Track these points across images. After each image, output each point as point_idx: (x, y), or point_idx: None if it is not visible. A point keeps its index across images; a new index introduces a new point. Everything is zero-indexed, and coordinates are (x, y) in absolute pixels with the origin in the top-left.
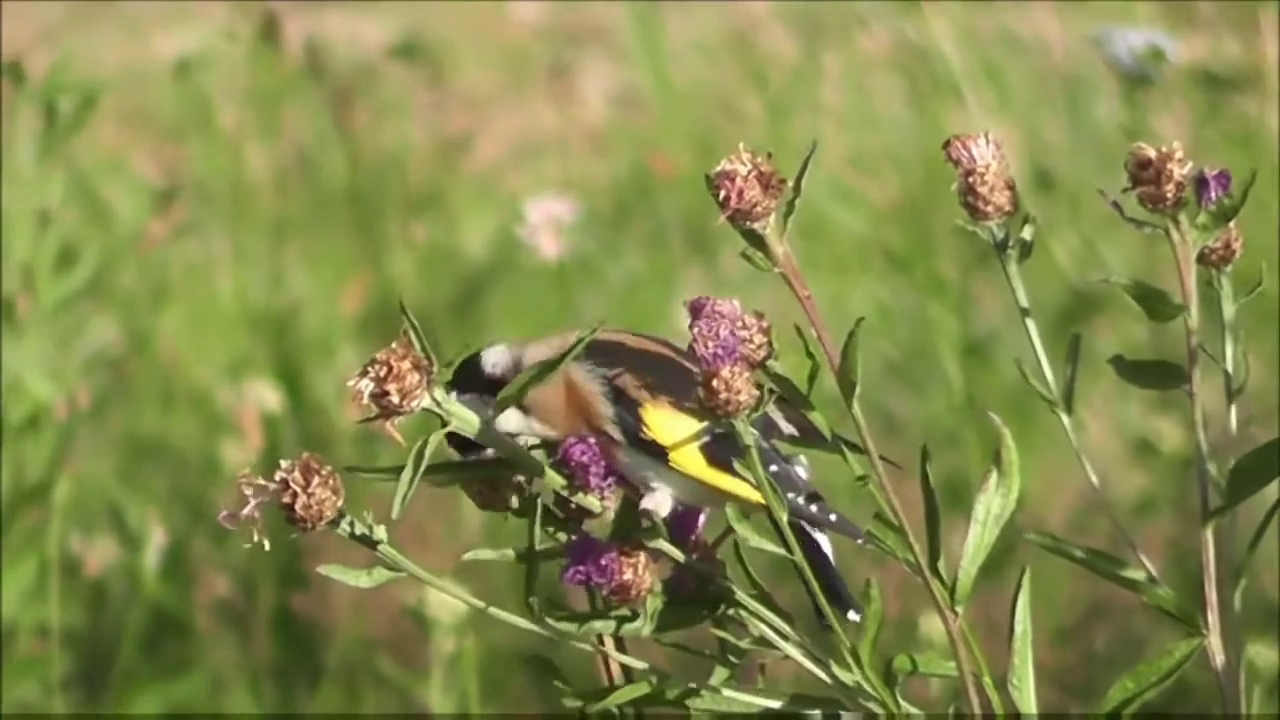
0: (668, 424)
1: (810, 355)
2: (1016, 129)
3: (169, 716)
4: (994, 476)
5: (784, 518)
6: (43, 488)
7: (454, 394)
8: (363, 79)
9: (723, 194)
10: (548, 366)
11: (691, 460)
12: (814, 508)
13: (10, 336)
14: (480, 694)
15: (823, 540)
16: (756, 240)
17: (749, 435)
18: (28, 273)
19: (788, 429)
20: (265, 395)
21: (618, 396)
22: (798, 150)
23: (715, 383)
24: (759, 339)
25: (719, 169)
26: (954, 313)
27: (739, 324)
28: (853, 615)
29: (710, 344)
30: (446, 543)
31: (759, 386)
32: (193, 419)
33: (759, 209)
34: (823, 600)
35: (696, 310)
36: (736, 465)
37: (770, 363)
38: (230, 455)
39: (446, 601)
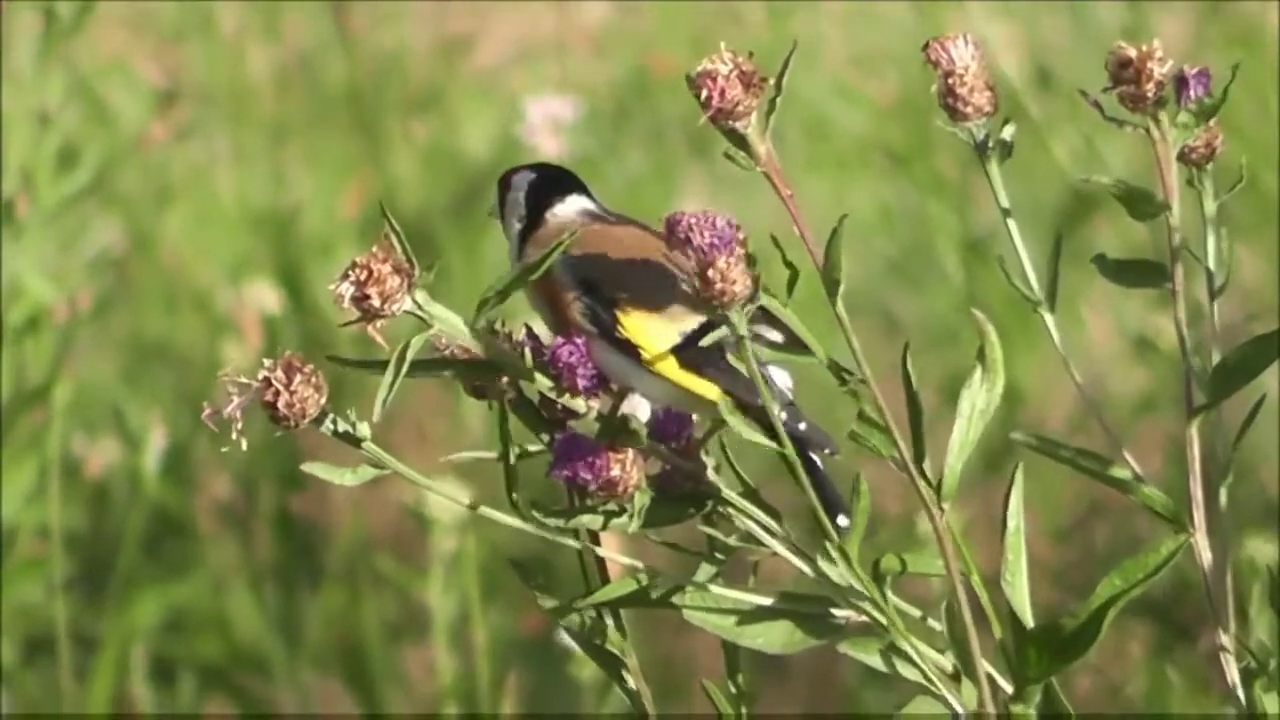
0: (641, 322)
1: (788, 264)
2: (1017, 27)
3: (170, 617)
4: (978, 372)
5: (778, 413)
6: (44, 389)
7: (523, 173)
8: None
9: (704, 94)
10: (528, 270)
11: (664, 361)
12: (784, 415)
13: (10, 238)
14: (480, 593)
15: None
16: (739, 140)
17: (744, 326)
18: (28, 174)
19: (772, 335)
20: (266, 296)
21: (590, 292)
22: (798, 50)
23: (711, 273)
24: (738, 250)
25: (700, 69)
26: (954, 211)
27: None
28: (842, 520)
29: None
30: (448, 442)
31: (755, 278)
32: (194, 320)
33: (740, 108)
34: (815, 499)
35: (672, 225)
36: (709, 366)
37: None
38: (232, 357)
39: (446, 501)
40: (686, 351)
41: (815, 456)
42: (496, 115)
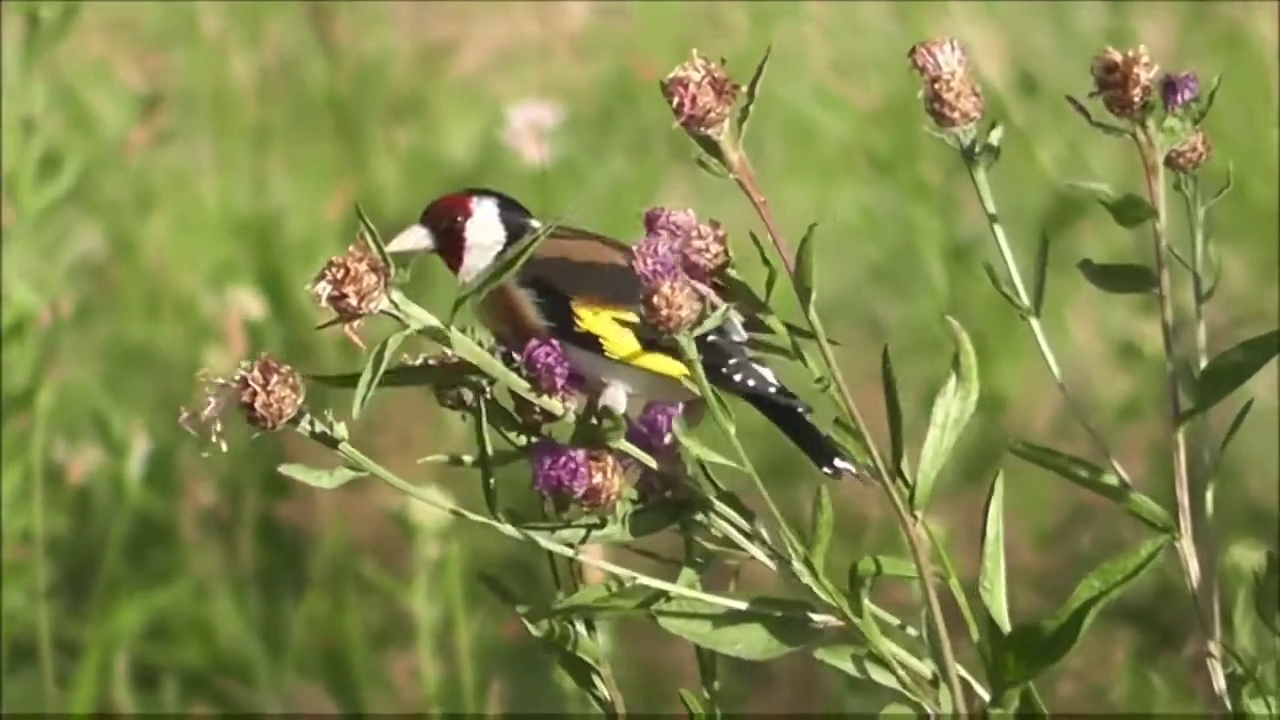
0: (599, 315)
1: (766, 262)
2: (1001, 33)
3: (153, 624)
4: (952, 380)
5: (731, 428)
6: (27, 395)
7: (486, 200)
8: None
9: (676, 100)
10: (508, 263)
11: (626, 347)
12: (752, 382)
13: None
14: (464, 598)
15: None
16: (712, 146)
17: (692, 349)
18: (11, 180)
19: (740, 329)
20: (248, 302)
21: (545, 293)
22: (780, 56)
23: (656, 299)
24: (715, 248)
25: (672, 75)
26: (938, 216)
27: (695, 233)
28: (840, 463)
29: (649, 260)
30: (431, 448)
31: (701, 300)
32: (177, 326)
33: (712, 115)
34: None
35: (651, 221)
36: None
37: (729, 271)
38: (214, 362)
39: (431, 507)
40: (649, 336)
41: (799, 409)
42: (479, 121)
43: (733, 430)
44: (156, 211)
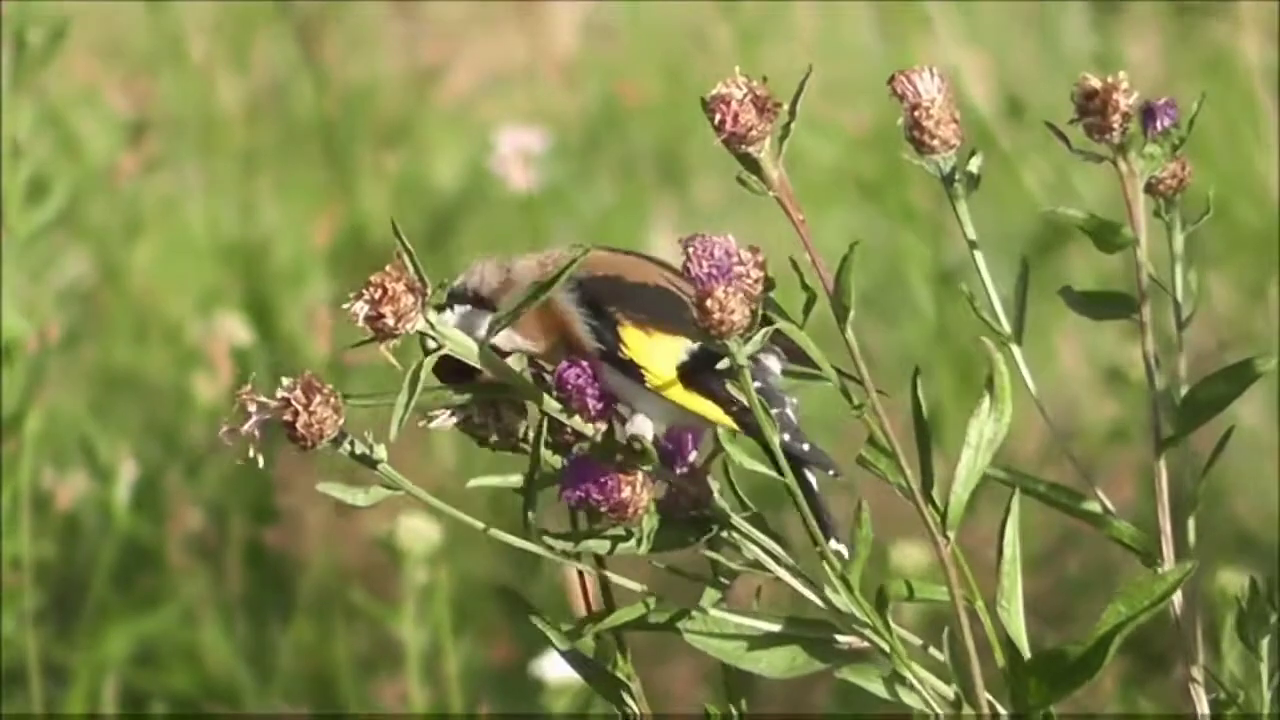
0: (645, 343)
1: (805, 285)
2: (987, 56)
3: (141, 649)
4: (986, 401)
5: (775, 440)
6: (14, 421)
7: (446, 311)
8: (333, 9)
9: (718, 117)
10: (541, 287)
11: (667, 382)
12: (787, 437)
13: None
14: (452, 624)
15: (807, 473)
16: (752, 164)
17: (742, 356)
18: None
19: (777, 367)
20: (236, 328)
21: (597, 314)
22: (769, 81)
23: (709, 303)
24: (755, 273)
25: (714, 92)
26: (926, 242)
27: (735, 258)
28: (834, 544)
29: (705, 264)
30: (418, 472)
31: (752, 309)
32: (164, 351)
33: (754, 132)
34: (813, 524)
35: (690, 246)
36: (714, 387)
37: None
38: (201, 389)
39: (418, 532)
40: (690, 372)
41: (813, 480)
42: (466, 146)
43: (777, 443)
44: (144, 237)
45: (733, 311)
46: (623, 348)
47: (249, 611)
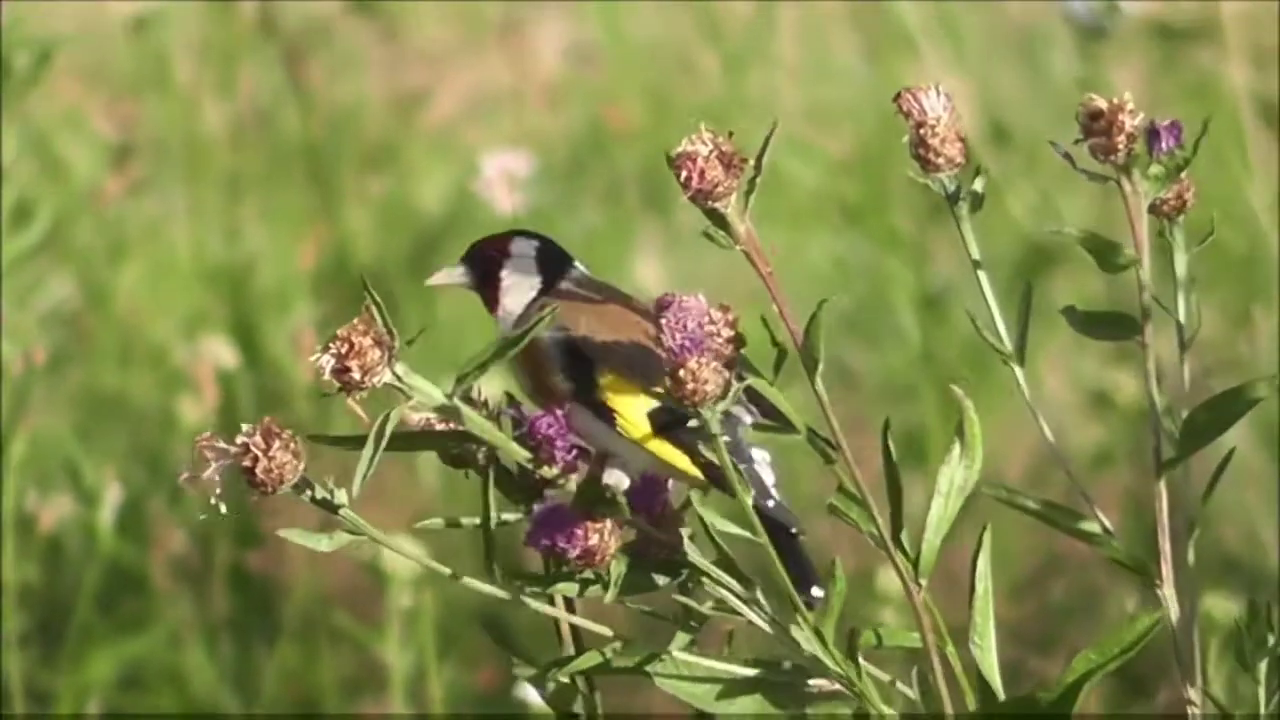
0: (622, 391)
1: (775, 342)
2: (972, 82)
3: (125, 673)
4: (956, 448)
5: (749, 501)
6: None
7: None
8: (317, 34)
9: (684, 175)
10: (512, 341)
11: (639, 427)
12: (754, 493)
13: None
14: (437, 649)
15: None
16: (719, 219)
17: (716, 424)
18: None
19: (747, 419)
20: (221, 351)
21: (576, 361)
22: (753, 105)
23: (682, 373)
24: (726, 332)
25: (680, 150)
26: (910, 265)
27: (706, 318)
28: (816, 592)
29: (678, 336)
30: (404, 498)
31: (725, 378)
32: (149, 375)
33: (720, 189)
34: (788, 581)
35: (664, 307)
36: (684, 439)
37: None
38: (186, 412)
39: (403, 557)
40: (664, 421)
41: (791, 525)
42: (451, 170)
43: (750, 502)
44: (129, 260)
45: (706, 382)
46: (597, 393)
47: (234, 634)
